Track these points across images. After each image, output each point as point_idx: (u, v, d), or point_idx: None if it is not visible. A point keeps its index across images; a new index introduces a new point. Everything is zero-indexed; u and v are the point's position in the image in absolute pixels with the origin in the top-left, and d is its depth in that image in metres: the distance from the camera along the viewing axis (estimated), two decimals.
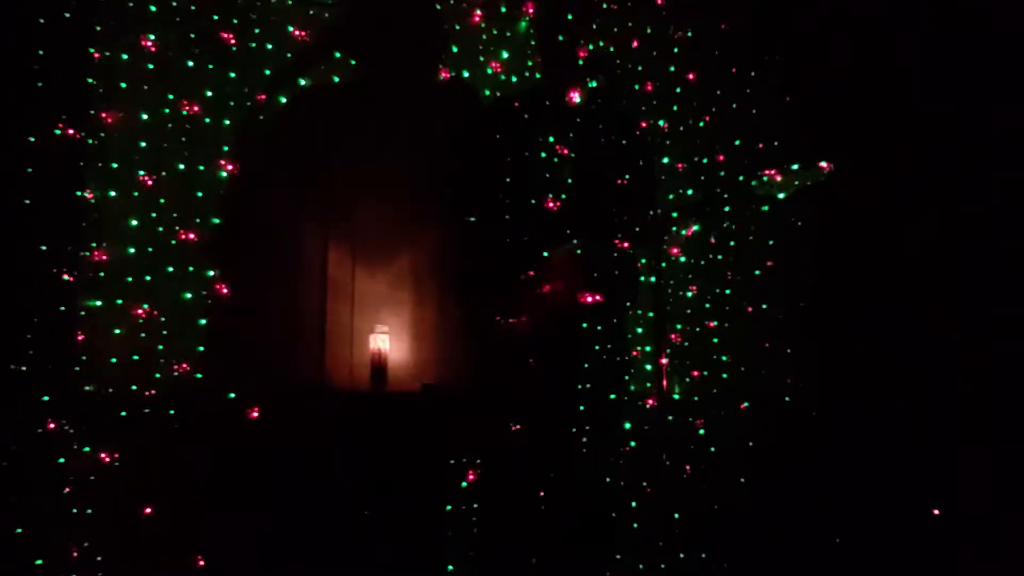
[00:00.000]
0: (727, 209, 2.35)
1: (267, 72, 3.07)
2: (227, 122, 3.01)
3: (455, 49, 3.20)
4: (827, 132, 3.01)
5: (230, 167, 2.97)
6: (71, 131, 2.72)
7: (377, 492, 2.76)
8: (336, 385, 3.05)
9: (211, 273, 2.93)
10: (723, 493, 2.94)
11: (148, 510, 2.59)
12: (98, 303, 2.81)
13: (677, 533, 2.35)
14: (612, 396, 2.54)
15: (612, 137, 2.57)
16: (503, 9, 3.16)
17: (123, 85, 2.90)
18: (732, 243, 3.13)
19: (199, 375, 2.87)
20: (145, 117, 2.91)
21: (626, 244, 2.47)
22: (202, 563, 2.58)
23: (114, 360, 2.81)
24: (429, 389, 3.02)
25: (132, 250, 2.86)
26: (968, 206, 2.86)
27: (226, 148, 3.00)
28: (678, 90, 3.13)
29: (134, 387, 2.76)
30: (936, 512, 2.72)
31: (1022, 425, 2.74)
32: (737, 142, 3.12)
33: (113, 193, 2.87)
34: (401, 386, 3.07)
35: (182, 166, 2.95)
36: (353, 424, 2.83)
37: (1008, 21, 2.80)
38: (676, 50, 3.18)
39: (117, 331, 2.81)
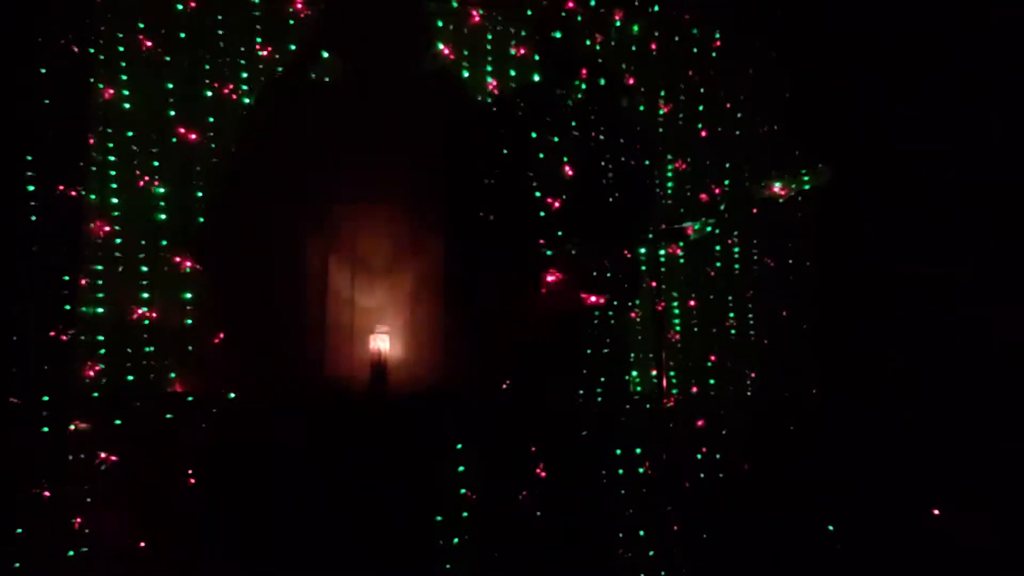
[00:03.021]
0: (728, 211, 2.36)
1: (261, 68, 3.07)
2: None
3: (446, 47, 3.20)
4: (828, 135, 3.01)
5: (231, 170, 2.97)
6: (71, 130, 2.71)
7: (377, 493, 2.76)
8: (336, 386, 3.05)
9: (211, 275, 2.93)
10: (723, 492, 2.94)
11: (147, 511, 2.59)
12: (97, 303, 2.81)
13: (677, 532, 2.35)
14: (613, 396, 2.54)
15: (613, 137, 2.58)
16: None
17: (123, 82, 2.90)
18: (733, 244, 3.14)
19: (199, 375, 2.86)
20: (145, 116, 2.91)
21: (627, 244, 2.48)
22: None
23: (114, 360, 2.80)
24: (429, 389, 3.02)
25: (132, 250, 2.86)
26: (968, 206, 2.87)
27: (227, 147, 3.01)
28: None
29: (133, 387, 2.76)
30: (936, 512, 2.73)
31: (1021, 425, 2.74)
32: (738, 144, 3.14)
33: (113, 192, 2.87)
34: (401, 386, 3.06)
35: (183, 168, 2.95)
36: (353, 425, 2.83)
37: (1008, 23, 2.81)
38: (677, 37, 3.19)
39: (116, 331, 2.81)
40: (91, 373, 2.75)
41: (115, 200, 2.86)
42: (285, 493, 2.71)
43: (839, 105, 3.08)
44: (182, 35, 2.95)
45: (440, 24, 3.21)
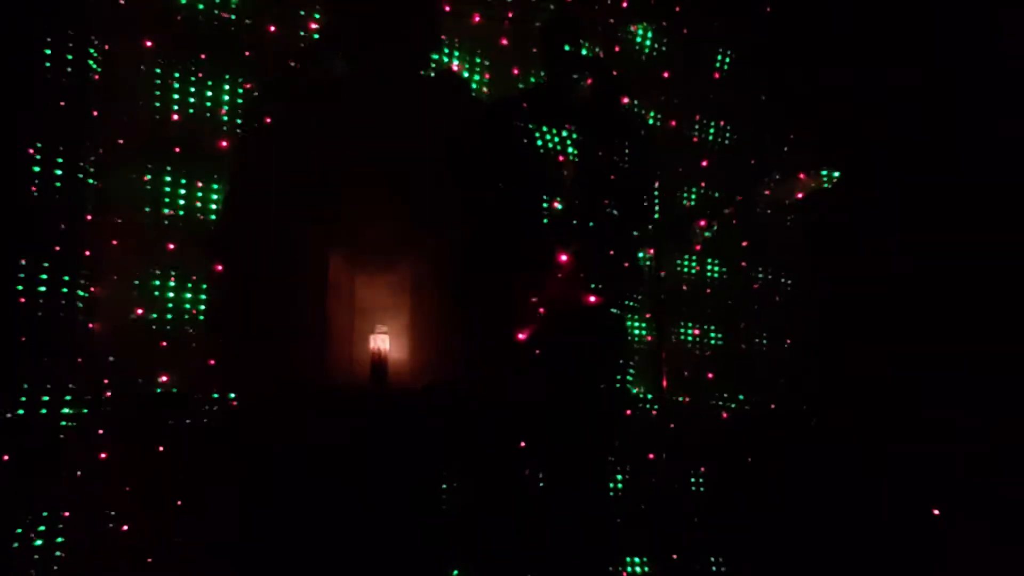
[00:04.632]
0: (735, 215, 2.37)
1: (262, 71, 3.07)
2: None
3: (453, 49, 3.19)
4: (831, 141, 3.02)
5: (232, 169, 2.97)
6: (71, 129, 2.70)
7: (377, 493, 2.76)
8: (336, 386, 3.04)
9: (211, 274, 2.92)
10: (720, 493, 2.95)
11: (147, 511, 2.59)
12: (98, 303, 2.80)
13: (675, 532, 2.36)
14: (613, 396, 2.55)
15: (615, 137, 2.58)
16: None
17: (124, 83, 2.89)
18: (734, 247, 3.15)
19: (199, 376, 2.86)
20: (147, 116, 2.90)
21: (629, 246, 2.48)
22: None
23: (114, 360, 2.80)
24: (429, 389, 3.02)
25: (132, 251, 2.85)
26: (968, 213, 2.87)
27: (230, 145, 3.00)
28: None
29: (134, 387, 2.75)
30: (936, 512, 2.74)
31: (1020, 427, 2.75)
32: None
33: (113, 192, 2.86)
34: (401, 386, 3.06)
35: (184, 167, 2.94)
36: (353, 425, 2.83)
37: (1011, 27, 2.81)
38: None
39: (117, 331, 2.80)
40: (90, 370, 2.75)
41: (118, 199, 2.86)
42: (285, 494, 2.72)
43: (841, 108, 3.08)
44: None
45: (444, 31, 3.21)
